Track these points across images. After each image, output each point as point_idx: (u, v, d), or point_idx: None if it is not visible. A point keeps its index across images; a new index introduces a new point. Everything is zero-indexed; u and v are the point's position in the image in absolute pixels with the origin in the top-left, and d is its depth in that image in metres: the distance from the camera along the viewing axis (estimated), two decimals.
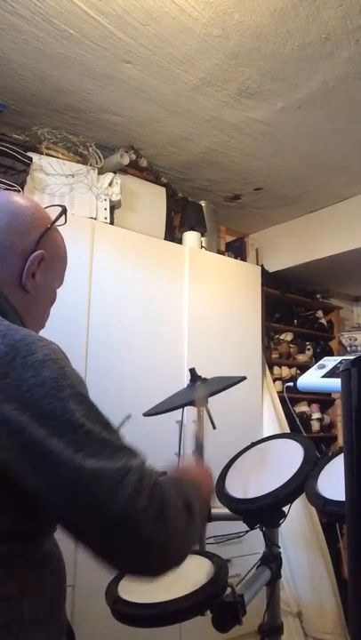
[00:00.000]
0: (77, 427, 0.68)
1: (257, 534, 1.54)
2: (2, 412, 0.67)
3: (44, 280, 0.90)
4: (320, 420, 3.78)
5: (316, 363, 1.43)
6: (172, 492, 0.73)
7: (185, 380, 2.03)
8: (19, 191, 2.24)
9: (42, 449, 0.66)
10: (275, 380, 3.42)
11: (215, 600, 1.13)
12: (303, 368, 3.56)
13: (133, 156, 2.68)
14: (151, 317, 2.57)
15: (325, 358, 1.37)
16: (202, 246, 3.00)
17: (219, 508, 1.51)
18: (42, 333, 0.83)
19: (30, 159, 2.30)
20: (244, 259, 3.43)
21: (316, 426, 3.73)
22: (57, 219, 0.93)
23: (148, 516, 0.67)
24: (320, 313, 4.05)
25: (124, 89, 2.25)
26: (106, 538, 0.67)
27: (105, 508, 0.66)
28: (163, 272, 2.67)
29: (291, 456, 1.51)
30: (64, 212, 0.94)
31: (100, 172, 2.60)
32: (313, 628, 2.71)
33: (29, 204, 0.91)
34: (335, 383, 1.23)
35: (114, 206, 2.61)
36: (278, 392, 3.21)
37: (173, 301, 2.69)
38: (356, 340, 3.97)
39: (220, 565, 1.22)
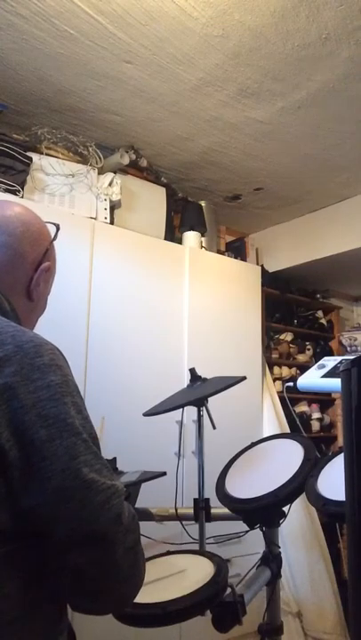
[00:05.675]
0: (77, 433, 0.70)
1: (257, 534, 1.54)
2: (8, 410, 0.67)
3: (45, 290, 0.95)
4: (320, 419, 3.78)
5: (316, 363, 1.43)
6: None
7: (185, 380, 2.03)
8: (19, 191, 2.24)
9: (42, 451, 0.67)
10: (275, 380, 3.42)
11: (215, 600, 1.13)
12: (303, 368, 3.56)
13: (133, 156, 2.68)
14: (151, 317, 2.57)
15: (325, 358, 1.37)
16: (202, 246, 3.00)
17: (219, 508, 1.51)
18: (43, 331, 0.84)
19: (30, 159, 2.30)
20: (244, 259, 3.43)
21: (316, 426, 3.74)
22: (56, 234, 0.99)
23: (124, 543, 0.70)
24: (320, 313, 4.05)
25: (124, 89, 2.25)
26: (78, 555, 0.69)
27: (89, 523, 0.67)
28: (163, 272, 2.67)
29: (291, 456, 1.51)
30: (58, 229, 1.00)
31: (100, 171, 2.60)
32: (313, 628, 2.71)
33: (35, 216, 0.96)
34: (335, 383, 1.23)
35: (114, 206, 2.61)
36: (278, 392, 3.21)
37: (173, 301, 2.69)
38: (356, 340, 3.97)
39: (220, 565, 1.22)
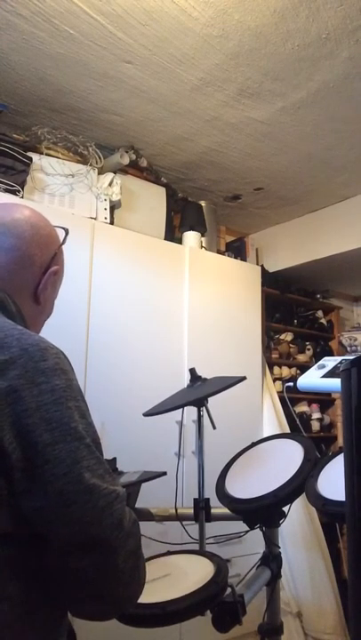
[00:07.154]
0: (80, 438, 0.70)
1: (257, 534, 1.54)
2: (12, 412, 0.67)
3: (52, 294, 0.95)
4: (320, 419, 3.77)
5: (316, 363, 1.43)
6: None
7: (185, 380, 2.03)
8: (19, 191, 2.24)
9: (44, 454, 0.67)
10: (275, 380, 3.42)
11: (215, 600, 1.13)
12: (303, 368, 3.57)
13: (133, 156, 2.68)
14: (151, 317, 2.57)
15: (325, 358, 1.37)
16: (202, 246, 3.00)
17: (219, 508, 1.51)
18: (42, 331, 0.84)
19: (30, 159, 2.30)
20: (244, 259, 3.43)
21: (316, 426, 3.73)
22: (65, 238, 0.99)
23: (125, 548, 0.70)
24: (320, 313, 4.05)
25: (124, 89, 2.25)
26: (79, 559, 0.68)
27: (90, 527, 0.67)
28: (163, 272, 2.67)
29: (291, 456, 1.51)
30: (67, 233, 1.00)
31: (100, 172, 2.60)
32: (313, 628, 2.71)
33: (45, 220, 0.96)
34: (335, 383, 1.23)
35: (114, 206, 2.61)
36: (278, 392, 3.21)
37: (173, 301, 2.69)
38: (356, 340, 3.97)
39: (220, 565, 1.22)
